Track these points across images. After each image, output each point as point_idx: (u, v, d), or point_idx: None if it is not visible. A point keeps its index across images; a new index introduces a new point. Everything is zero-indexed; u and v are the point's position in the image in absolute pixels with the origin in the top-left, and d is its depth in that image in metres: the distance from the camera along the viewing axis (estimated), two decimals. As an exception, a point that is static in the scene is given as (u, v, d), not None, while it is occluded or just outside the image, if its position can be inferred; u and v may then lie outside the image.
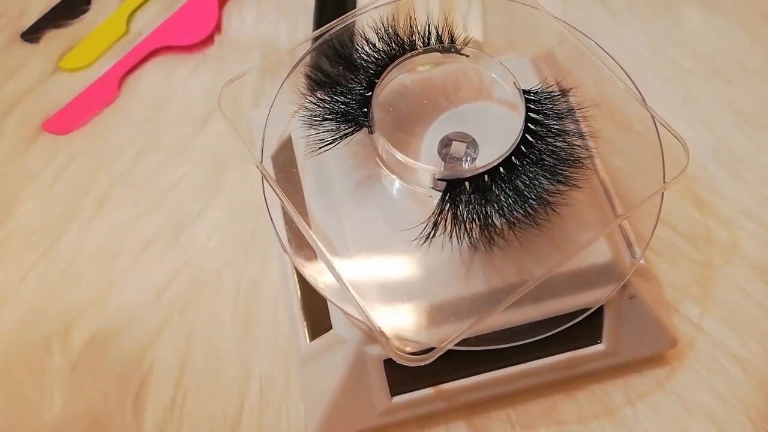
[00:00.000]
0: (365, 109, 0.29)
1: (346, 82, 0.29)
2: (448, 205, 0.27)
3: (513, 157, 0.27)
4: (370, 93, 0.29)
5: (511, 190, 0.27)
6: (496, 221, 0.27)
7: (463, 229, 0.27)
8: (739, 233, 0.36)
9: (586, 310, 0.29)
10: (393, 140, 0.28)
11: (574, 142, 0.28)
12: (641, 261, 0.30)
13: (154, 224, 0.37)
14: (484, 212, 0.27)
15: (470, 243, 0.27)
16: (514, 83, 0.29)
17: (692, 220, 0.37)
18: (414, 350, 0.25)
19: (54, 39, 0.43)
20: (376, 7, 0.34)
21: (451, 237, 0.27)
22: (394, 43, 0.30)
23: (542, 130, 0.28)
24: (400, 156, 0.28)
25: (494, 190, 0.27)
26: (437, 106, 0.31)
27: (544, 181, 0.27)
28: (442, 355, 0.29)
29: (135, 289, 0.35)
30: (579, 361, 0.31)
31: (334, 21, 0.32)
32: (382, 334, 0.25)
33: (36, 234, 0.37)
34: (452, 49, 0.30)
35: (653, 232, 0.29)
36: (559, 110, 0.29)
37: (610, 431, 0.31)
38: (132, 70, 0.42)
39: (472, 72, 0.32)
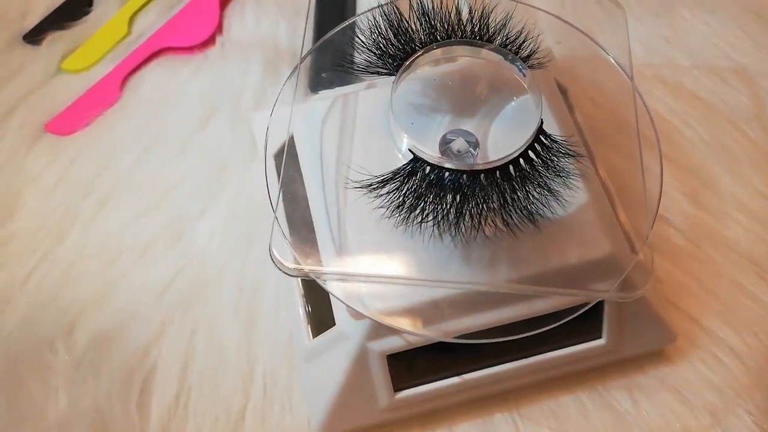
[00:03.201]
0: (406, 62, 0.30)
1: (407, 31, 0.30)
2: (401, 176, 0.28)
3: (482, 175, 0.27)
4: (421, 51, 0.30)
5: (459, 199, 0.27)
6: (428, 212, 0.28)
7: (397, 202, 0.28)
8: (735, 229, 0.37)
9: (586, 305, 0.29)
10: (413, 114, 0.30)
11: (549, 202, 0.29)
12: (640, 256, 0.31)
13: (156, 224, 0.37)
14: (422, 200, 0.27)
15: (389, 215, 0.28)
16: (541, 120, 0.29)
17: (689, 216, 0.37)
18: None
19: (56, 41, 0.43)
20: (374, 7, 0.34)
21: (377, 197, 0.28)
22: (477, 27, 0.30)
23: (530, 173, 0.28)
24: (392, 115, 0.29)
25: (445, 189, 0.27)
26: (463, 97, 0.32)
27: (489, 211, 0.28)
28: (445, 350, 0.29)
29: (138, 288, 0.35)
30: (581, 357, 0.31)
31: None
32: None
33: (39, 234, 0.37)
34: (517, 62, 0.30)
35: (651, 227, 0.30)
36: (559, 168, 0.29)
37: (611, 427, 0.32)
38: (134, 72, 0.42)
39: (509, 75, 0.31)
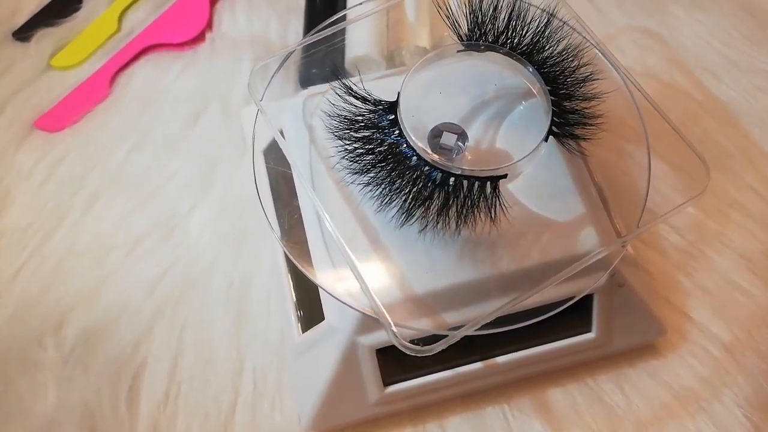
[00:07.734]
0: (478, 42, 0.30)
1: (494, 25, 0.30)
2: (371, 112, 0.28)
3: (415, 157, 0.27)
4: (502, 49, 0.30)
5: (399, 173, 0.27)
6: (365, 156, 0.28)
7: (348, 128, 0.28)
8: (728, 225, 0.37)
9: (574, 298, 0.29)
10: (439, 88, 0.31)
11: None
12: (628, 249, 0.31)
13: (147, 220, 0.37)
14: (369, 142, 0.28)
15: (329, 125, 0.29)
16: (505, 174, 0.28)
17: (682, 212, 0.37)
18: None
19: (46, 37, 0.43)
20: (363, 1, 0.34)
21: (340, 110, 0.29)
22: (568, 74, 0.30)
23: (454, 193, 0.28)
24: (413, 69, 0.30)
25: (387, 159, 0.28)
26: (476, 91, 0.32)
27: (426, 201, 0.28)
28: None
29: (128, 284, 0.35)
30: (570, 350, 0.31)
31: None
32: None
33: (28, 230, 0.37)
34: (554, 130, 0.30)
35: (639, 220, 0.30)
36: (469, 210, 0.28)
37: (602, 420, 0.32)
38: (123, 68, 0.42)
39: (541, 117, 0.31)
